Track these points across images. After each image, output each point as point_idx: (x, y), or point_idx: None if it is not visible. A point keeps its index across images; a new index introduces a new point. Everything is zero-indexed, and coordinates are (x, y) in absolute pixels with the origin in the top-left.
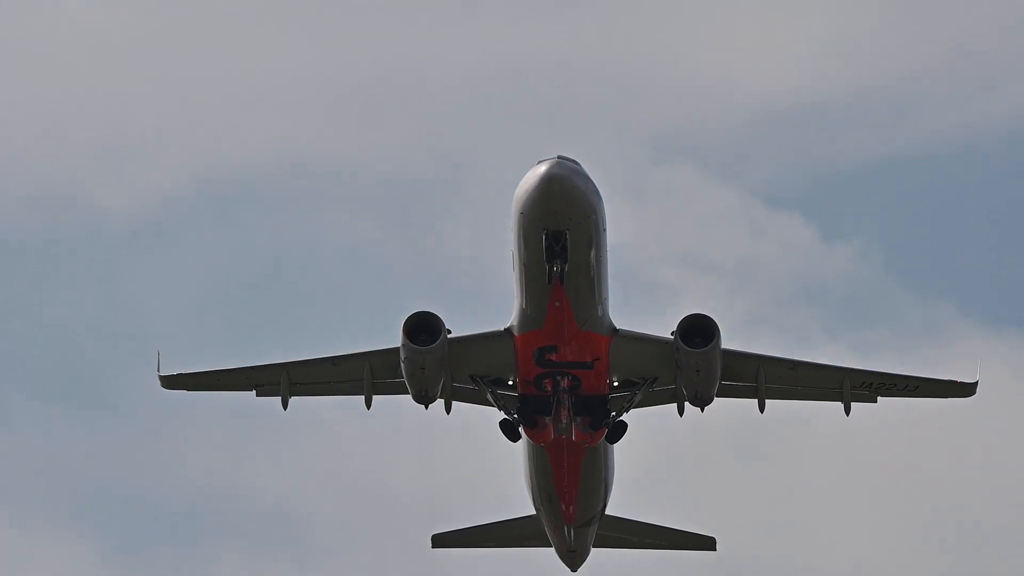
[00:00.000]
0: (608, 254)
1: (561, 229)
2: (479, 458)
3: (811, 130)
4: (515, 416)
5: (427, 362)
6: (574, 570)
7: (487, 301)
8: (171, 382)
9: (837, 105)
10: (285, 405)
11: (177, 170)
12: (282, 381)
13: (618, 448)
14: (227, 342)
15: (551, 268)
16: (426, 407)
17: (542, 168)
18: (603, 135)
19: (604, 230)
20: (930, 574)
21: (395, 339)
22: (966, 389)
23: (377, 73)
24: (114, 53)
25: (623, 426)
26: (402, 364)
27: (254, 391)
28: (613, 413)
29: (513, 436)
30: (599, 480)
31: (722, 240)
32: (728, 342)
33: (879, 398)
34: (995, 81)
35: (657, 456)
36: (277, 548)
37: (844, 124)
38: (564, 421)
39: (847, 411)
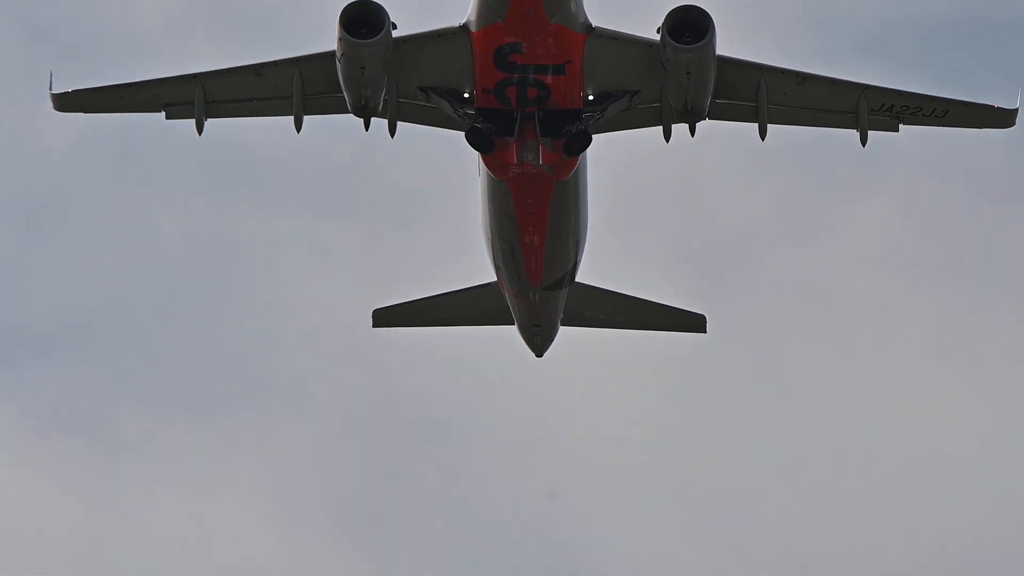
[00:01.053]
0: None
1: None
2: (427, 204)
3: None
4: (484, 123)
5: (367, 60)
6: (539, 354)
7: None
8: (65, 102)
9: None
10: (200, 128)
11: None
12: (196, 98)
13: (592, 196)
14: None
15: None
16: (366, 125)
17: None
18: None
19: None
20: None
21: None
22: (1004, 117)
23: None
24: None
25: (585, 137)
26: (338, 64)
27: (163, 112)
28: (579, 124)
29: (484, 146)
30: (569, 227)
31: None
32: (725, 49)
33: (901, 126)
34: None
35: (637, 202)
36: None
37: None
38: (529, 143)
39: (863, 140)
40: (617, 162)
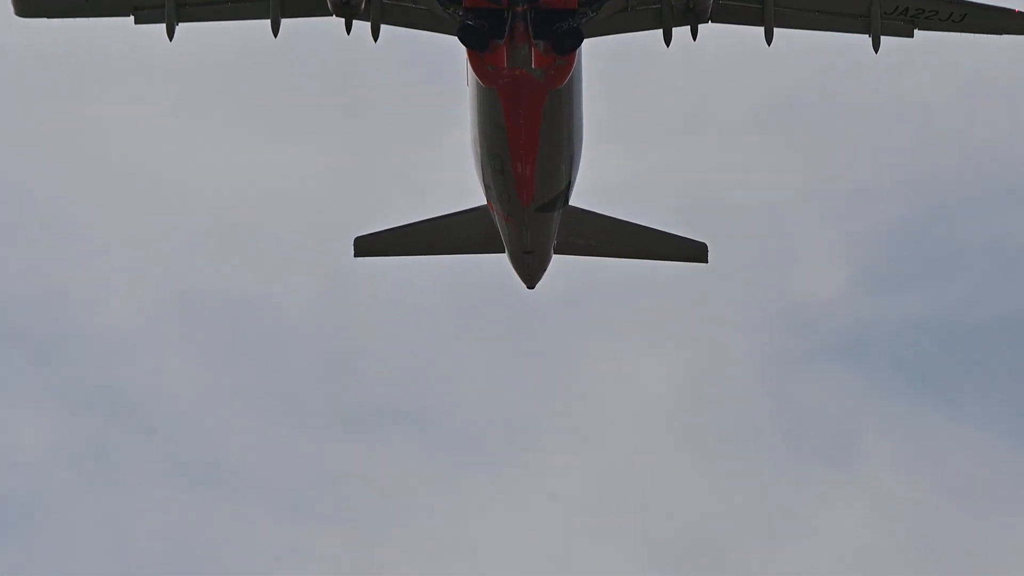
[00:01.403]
0: None
1: None
2: (411, 119)
3: None
4: (476, 20)
5: None
6: (531, 285)
7: None
8: (27, 8)
9: None
10: (171, 34)
11: None
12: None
13: (588, 113)
14: None
15: None
16: (348, 28)
17: None
18: None
19: None
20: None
21: None
22: None
23: None
24: None
25: (576, 34)
26: None
27: (131, 16)
28: (572, 22)
29: (479, 43)
30: (562, 141)
31: None
32: None
33: (916, 31)
34: None
35: (635, 116)
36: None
37: None
38: (521, 45)
39: (876, 46)
40: (614, 72)
